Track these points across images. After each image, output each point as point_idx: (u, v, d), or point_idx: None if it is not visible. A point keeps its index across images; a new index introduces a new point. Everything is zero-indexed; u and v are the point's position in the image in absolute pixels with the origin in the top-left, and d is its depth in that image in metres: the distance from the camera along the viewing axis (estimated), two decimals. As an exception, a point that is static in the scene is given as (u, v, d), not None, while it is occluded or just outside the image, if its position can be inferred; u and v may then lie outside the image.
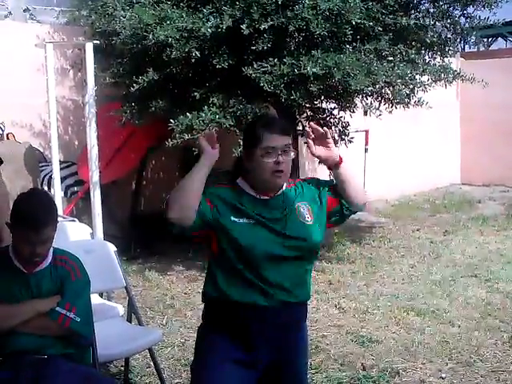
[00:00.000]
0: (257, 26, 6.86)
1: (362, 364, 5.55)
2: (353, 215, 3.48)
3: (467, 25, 8.55)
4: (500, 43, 20.92)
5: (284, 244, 3.17)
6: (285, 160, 3.15)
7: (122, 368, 5.24)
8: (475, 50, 16.48)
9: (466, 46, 13.60)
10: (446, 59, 8.85)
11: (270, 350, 3.25)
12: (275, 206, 3.23)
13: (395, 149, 13.27)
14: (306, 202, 3.32)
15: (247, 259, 3.13)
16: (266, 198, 3.23)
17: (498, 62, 14.11)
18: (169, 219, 3.16)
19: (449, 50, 8.90)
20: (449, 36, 8.73)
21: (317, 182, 3.43)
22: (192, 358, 3.46)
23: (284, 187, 3.29)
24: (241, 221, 3.15)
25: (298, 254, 3.22)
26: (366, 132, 12.01)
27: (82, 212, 8.64)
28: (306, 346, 3.54)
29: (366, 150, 12.34)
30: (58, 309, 3.48)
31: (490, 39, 20.19)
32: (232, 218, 3.15)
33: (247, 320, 3.16)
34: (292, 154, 3.19)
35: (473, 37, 8.88)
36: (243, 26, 6.83)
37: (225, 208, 3.17)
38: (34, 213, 3.41)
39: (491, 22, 8.45)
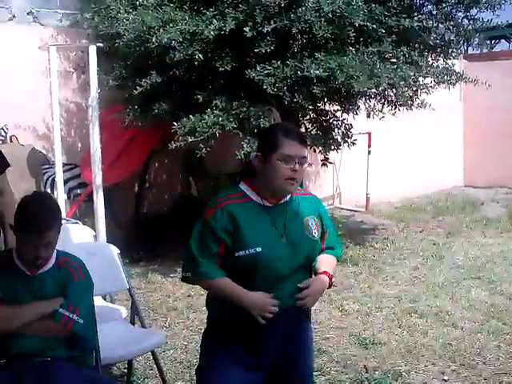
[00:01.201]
0: (260, 28, 6.87)
1: (365, 366, 5.55)
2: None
3: (470, 27, 8.56)
4: (503, 45, 20.91)
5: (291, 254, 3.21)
6: (300, 170, 3.16)
7: (125, 370, 5.25)
8: (478, 51, 16.47)
9: (469, 48, 13.60)
10: (449, 61, 8.84)
11: (275, 351, 3.28)
12: (278, 213, 3.25)
13: (398, 151, 13.26)
14: (315, 215, 3.36)
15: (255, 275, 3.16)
16: (270, 205, 3.24)
17: (502, 64, 14.11)
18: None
19: (452, 52, 8.90)
20: (452, 38, 8.73)
21: (319, 213, 3.44)
22: (195, 361, 3.49)
23: (288, 195, 3.31)
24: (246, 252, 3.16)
25: (299, 258, 3.25)
26: (369, 134, 12.03)
27: (85, 214, 8.62)
28: (311, 346, 3.57)
29: (369, 153, 12.36)
30: (61, 311, 3.47)
31: (493, 41, 20.18)
32: (236, 254, 3.16)
33: (253, 327, 3.17)
34: (306, 165, 3.22)
35: (476, 39, 8.87)
36: (246, 29, 6.84)
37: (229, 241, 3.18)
38: (37, 216, 3.40)
39: (494, 24, 8.44)
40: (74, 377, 3.43)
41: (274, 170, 3.14)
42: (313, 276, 3.32)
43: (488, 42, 17.41)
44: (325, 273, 3.31)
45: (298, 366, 3.43)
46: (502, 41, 20.69)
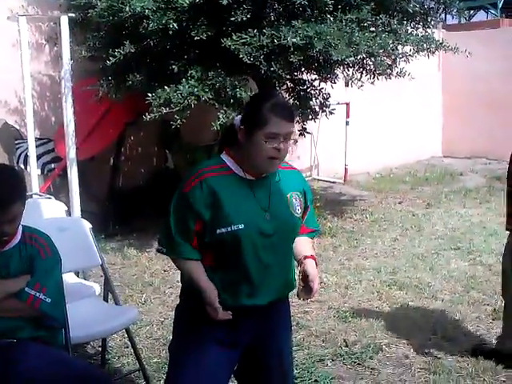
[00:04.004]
0: (235, -4, 6.73)
1: (345, 340, 5.50)
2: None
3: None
4: (481, 15, 20.95)
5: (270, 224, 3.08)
6: (284, 147, 3.01)
7: (100, 349, 5.14)
8: (457, 22, 16.43)
9: (448, 18, 13.54)
10: (428, 30, 8.74)
11: (251, 328, 3.19)
12: (261, 188, 3.11)
13: (376, 121, 13.20)
14: (299, 191, 3.24)
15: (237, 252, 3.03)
16: (253, 178, 3.10)
17: (479, 34, 14.07)
18: None
19: (431, 20, 8.80)
20: (431, 6, 8.63)
21: (303, 189, 3.31)
22: (171, 337, 3.39)
23: None
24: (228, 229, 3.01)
25: (282, 236, 3.14)
26: (347, 105, 11.95)
27: (59, 189, 8.51)
28: (289, 320, 3.49)
29: (347, 123, 12.29)
30: (27, 289, 3.34)
31: (471, 11, 20.18)
32: (217, 231, 3.02)
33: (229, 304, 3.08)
34: (291, 141, 3.07)
35: (455, 7, 8.78)
36: (222, -4, 6.68)
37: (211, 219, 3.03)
38: (-1, 190, 3.27)
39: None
40: (40, 357, 3.31)
41: (258, 148, 2.98)
42: (301, 261, 3.20)
43: (466, 12, 17.37)
44: (312, 257, 3.21)
45: (276, 341, 3.33)
46: (480, 12, 20.77)
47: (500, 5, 21.94)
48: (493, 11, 23.24)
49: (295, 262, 3.28)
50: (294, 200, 3.18)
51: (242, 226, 2.99)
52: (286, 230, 3.15)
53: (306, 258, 3.19)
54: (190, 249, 3.06)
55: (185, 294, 3.32)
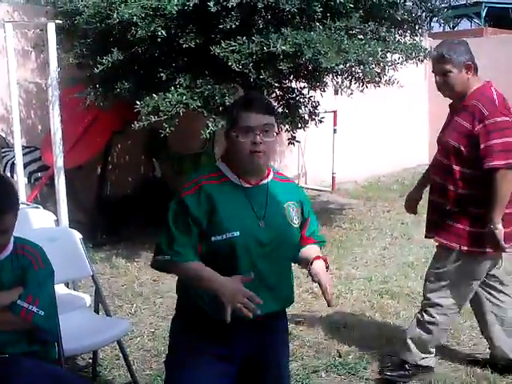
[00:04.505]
0: (224, 3, 6.66)
1: (338, 350, 5.45)
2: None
3: (437, 2, 8.48)
4: (465, 24, 21.09)
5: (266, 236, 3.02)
6: (264, 140, 2.95)
7: (91, 361, 5.06)
8: (441, 30, 16.50)
9: (435, 26, 13.58)
10: (416, 38, 8.74)
11: (247, 341, 3.13)
12: (258, 196, 3.06)
13: (363, 129, 13.15)
14: (296, 202, 3.19)
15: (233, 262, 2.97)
16: (248, 186, 3.06)
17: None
18: None
19: (419, 28, 8.80)
20: (419, 14, 8.63)
21: (300, 200, 3.26)
22: (163, 348, 3.37)
23: (270, 177, 3.13)
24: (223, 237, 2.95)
25: (278, 246, 3.07)
26: (335, 113, 11.91)
27: (46, 199, 8.42)
28: (286, 332, 3.47)
29: (334, 131, 12.25)
30: (19, 302, 3.28)
31: (455, 20, 20.30)
32: (212, 239, 2.97)
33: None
34: (273, 134, 3.01)
35: (442, 15, 8.80)
36: (210, 4, 6.62)
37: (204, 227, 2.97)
38: (-10, 200, 3.20)
39: (460, 2, 8.39)
40: (32, 373, 3.23)
41: (235, 145, 2.97)
42: (309, 267, 3.12)
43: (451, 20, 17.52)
44: (318, 258, 3.14)
45: (275, 354, 3.29)
46: (464, 20, 20.92)
47: (483, 14, 22.12)
48: (476, 20, 23.42)
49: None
50: (290, 210, 3.13)
51: (237, 234, 2.94)
52: (283, 239, 3.09)
53: (312, 261, 3.12)
54: (192, 252, 2.97)
55: (181, 307, 3.26)
